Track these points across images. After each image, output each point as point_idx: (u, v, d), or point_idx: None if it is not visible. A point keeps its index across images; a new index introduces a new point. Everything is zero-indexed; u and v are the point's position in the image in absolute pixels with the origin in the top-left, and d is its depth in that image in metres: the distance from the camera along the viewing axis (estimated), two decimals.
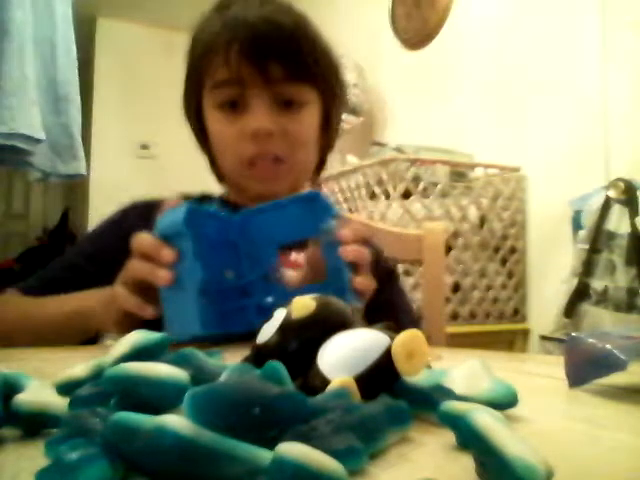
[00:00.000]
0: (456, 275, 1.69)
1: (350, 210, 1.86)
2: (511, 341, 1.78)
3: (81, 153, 1.68)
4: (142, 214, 0.56)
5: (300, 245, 0.64)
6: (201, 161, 0.82)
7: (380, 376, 0.26)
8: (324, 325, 0.29)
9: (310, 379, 0.27)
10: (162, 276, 0.50)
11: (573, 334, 0.38)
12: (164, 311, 0.51)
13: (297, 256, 0.71)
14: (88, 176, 2.76)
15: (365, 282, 0.54)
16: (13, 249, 4.00)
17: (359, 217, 1.51)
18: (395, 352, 0.26)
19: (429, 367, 0.32)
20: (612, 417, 0.30)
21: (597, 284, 1.37)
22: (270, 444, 0.18)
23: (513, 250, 1.79)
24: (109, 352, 0.29)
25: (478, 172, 1.83)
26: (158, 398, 0.22)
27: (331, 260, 0.54)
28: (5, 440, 0.23)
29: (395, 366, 0.25)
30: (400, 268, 1.62)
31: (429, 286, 0.89)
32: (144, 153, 3.51)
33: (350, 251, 0.53)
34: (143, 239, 0.52)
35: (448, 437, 0.23)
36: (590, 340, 0.35)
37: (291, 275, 0.60)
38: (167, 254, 0.50)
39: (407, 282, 1.62)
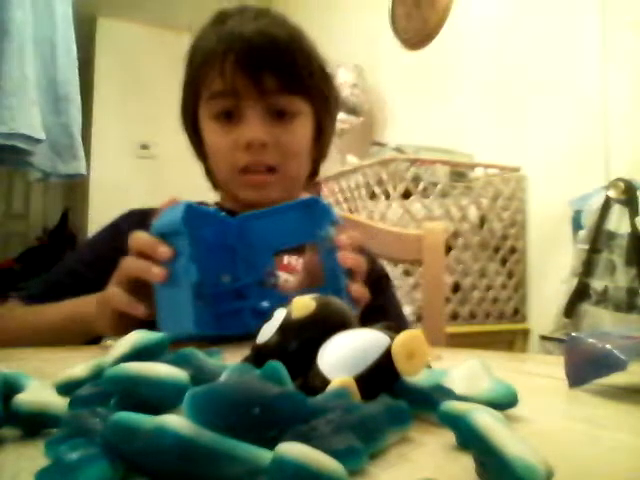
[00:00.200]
0: (456, 275, 1.69)
1: (350, 210, 1.86)
2: (511, 341, 1.78)
3: (81, 153, 1.68)
4: (138, 222, 0.56)
5: (297, 249, 0.64)
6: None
7: (380, 376, 0.26)
8: (324, 325, 0.29)
9: (310, 379, 0.27)
10: (156, 273, 0.50)
11: (573, 334, 0.38)
12: (157, 309, 0.51)
13: (294, 261, 0.71)
14: (88, 176, 2.76)
15: (361, 290, 0.55)
16: (13, 249, 3.99)
17: (359, 217, 1.50)
18: (395, 352, 0.26)
19: (429, 367, 0.32)
20: (612, 417, 0.30)
21: (597, 284, 1.37)
22: (270, 444, 0.18)
23: (513, 250, 1.79)
24: (109, 352, 0.29)
25: (478, 172, 1.84)
26: (158, 398, 0.22)
27: (329, 266, 0.54)
28: (5, 440, 0.23)
29: (395, 366, 0.25)
30: (400, 268, 1.62)
31: (429, 286, 0.89)
32: (144, 153, 3.50)
33: (348, 258, 0.54)
34: (139, 237, 0.53)
35: (448, 437, 0.23)
36: (590, 340, 0.35)
37: (287, 280, 0.60)
38: (163, 251, 0.50)
39: (407, 282, 1.62)
